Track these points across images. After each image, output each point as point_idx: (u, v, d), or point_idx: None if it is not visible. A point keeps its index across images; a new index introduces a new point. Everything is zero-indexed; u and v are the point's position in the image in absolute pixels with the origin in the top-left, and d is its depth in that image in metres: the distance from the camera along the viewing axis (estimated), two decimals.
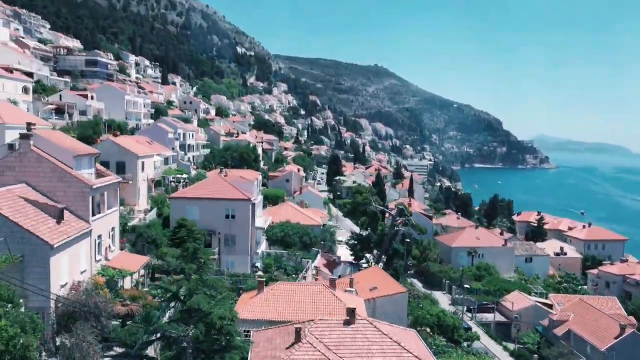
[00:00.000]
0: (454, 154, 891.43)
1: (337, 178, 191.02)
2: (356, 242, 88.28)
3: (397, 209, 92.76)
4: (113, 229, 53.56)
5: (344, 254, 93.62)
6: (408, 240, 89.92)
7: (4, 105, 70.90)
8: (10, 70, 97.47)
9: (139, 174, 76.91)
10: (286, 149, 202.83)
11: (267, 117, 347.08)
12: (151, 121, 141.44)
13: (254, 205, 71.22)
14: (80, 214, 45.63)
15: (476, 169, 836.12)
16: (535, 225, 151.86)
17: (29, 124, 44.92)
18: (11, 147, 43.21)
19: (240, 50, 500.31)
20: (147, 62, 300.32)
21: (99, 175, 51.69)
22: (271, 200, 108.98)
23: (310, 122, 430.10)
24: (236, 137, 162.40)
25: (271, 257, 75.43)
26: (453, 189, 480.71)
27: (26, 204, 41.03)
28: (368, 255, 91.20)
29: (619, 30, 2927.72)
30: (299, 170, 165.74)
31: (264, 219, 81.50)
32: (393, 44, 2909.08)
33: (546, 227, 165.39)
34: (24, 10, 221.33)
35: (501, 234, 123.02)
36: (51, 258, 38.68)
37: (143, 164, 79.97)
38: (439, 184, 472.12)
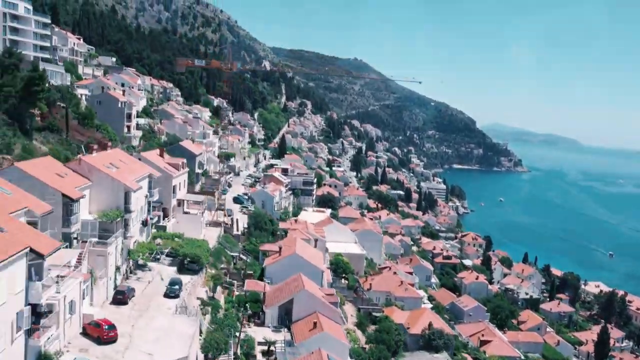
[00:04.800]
0: (434, 154, 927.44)
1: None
2: None
3: None
4: None
5: None
6: None
7: None
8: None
9: None
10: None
11: (317, 149, 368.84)
12: None
13: None
14: None
15: (455, 169, 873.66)
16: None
17: None
18: None
19: (267, 65, 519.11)
20: (225, 103, 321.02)
21: None
22: None
23: (342, 147, 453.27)
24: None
25: None
26: (464, 209, 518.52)
27: None
28: None
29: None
30: None
31: None
32: (370, 36, 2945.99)
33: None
34: (163, 82, 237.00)
35: None
36: None
37: None
38: (451, 204, 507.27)
